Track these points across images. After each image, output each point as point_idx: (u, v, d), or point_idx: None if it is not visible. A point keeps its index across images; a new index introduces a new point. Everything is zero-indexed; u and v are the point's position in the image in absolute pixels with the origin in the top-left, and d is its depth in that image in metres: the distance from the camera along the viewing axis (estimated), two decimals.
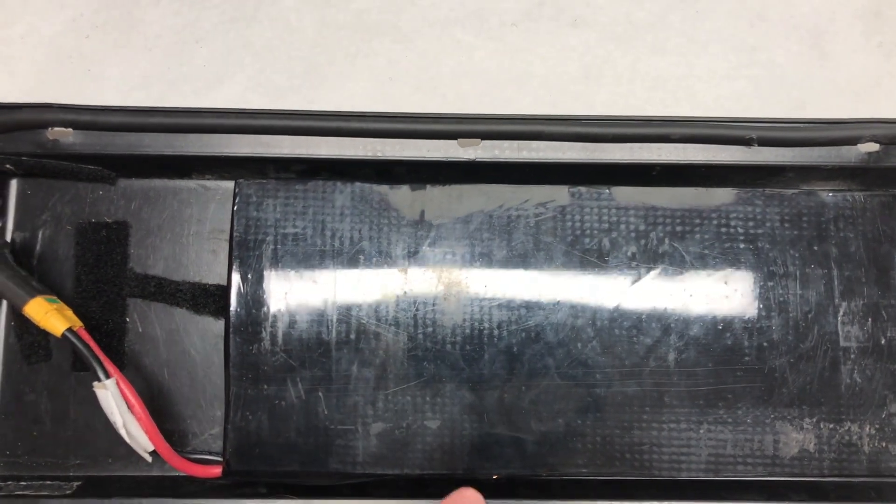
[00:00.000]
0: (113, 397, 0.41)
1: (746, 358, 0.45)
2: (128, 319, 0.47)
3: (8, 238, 0.47)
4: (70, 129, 0.46)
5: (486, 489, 0.45)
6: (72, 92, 0.52)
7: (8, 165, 0.46)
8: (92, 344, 0.41)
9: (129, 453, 0.46)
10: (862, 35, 0.53)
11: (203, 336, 0.47)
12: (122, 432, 0.41)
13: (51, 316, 0.41)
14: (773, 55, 0.53)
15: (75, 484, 0.44)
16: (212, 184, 0.48)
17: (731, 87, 0.53)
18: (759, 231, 0.46)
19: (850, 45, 0.53)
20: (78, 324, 0.42)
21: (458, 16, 0.53)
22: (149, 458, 0.43)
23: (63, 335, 0.41)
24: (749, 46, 0.53)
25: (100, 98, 0.52)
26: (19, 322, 0.46)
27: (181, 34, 0.53)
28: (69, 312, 0.42)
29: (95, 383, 0.41)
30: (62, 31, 0.53)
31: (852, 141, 0.46)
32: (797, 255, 0.46)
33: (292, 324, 0.44)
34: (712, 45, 0.53)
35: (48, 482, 0.45)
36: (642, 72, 0.53)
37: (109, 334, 0.46)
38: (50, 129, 0.46)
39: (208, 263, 0.48)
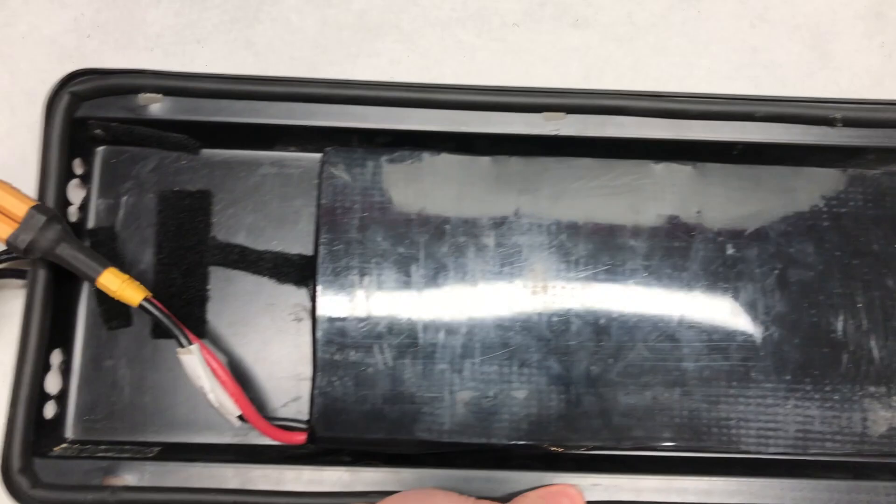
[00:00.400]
0: (199, 362, 0.41)
1: (833, 335, 0.45)
2: (209, 287, 0.47)
3: (92, 206, 0.47)
4: (160, 95, 0.46)
5: (569, 463, 0.45)
6: None
7: (97, 131, 0.46)
8: (168, 313, 0.41)
9: (208, 421, 0.45)
10: (864, 36, 0.53)
11: (284, 305, 0.47)
12: (211, 397, 0.41)
13: (127, 286, 0.40)
14: (774, 56, 0.53)
15: (155, 449, 0.44)
16: (294, 155, 0.48)
17: (733, 87, 0.52)
18: (843, 210, 0.47)
19: (852, 46, 0.53)
20: (149, 294, 0.41)
21: (459, 16, 0.53)
22: (237, 423, 0.42)
23: (140, 305, 0.40)
24: (750, 47, 0.53)
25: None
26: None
27: (182, 34, 0.53)
28: (138, 283, 0.42)
29: (179, 349, 0.40)
30: (63, 30, 0.53)
31: None
32: (881, 233, 0.46)
33: (379, 292, 0.44)
34: (713, 45, 0.53)
35: (127, 446, 0.45)
36: (643, 72, 0.53)
37: (190, 301, 0.46)
38: (141, 94, 0.46)
39: (290, 233, 0.47)
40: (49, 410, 0.45)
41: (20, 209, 0.40)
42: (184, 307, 0.46)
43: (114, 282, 0.41)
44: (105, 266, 0.41)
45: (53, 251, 0.40)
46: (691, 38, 0.53)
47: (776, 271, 0.46)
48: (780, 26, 0.54)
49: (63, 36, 0.53)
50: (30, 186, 0.44)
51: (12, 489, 0.42)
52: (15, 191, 0.42)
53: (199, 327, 0.46)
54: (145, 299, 0.41)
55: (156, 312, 0.41)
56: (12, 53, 0.52)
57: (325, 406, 0.43)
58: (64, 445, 0.45)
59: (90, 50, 0.52)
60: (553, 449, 0.44)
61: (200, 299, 0.47)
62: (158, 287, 0.47)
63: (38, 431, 0.44)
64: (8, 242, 0.40)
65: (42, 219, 0.40)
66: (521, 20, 0.53)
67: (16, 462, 0.42)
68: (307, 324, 0.47)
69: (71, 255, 0.41)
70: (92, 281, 0.41)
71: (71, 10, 0.53)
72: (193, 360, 0.40)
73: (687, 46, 0.53)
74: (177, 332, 0.41)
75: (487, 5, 0.54)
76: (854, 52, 0.53)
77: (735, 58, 0.53)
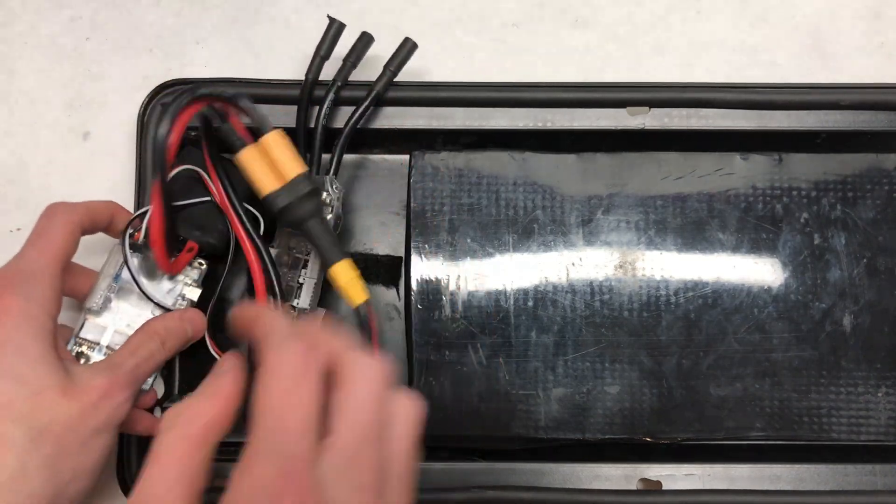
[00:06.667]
0: None
1: None
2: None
3: None
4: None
5: (663, 453, 0.47)
6: (71, 93, 0.52)
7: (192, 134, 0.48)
8: (375, 323, 0.42)
9: None
10: (863, 36, 0.53)
11: (375, 305, 0.49)
12: None
13: (356, 283, 0.41)
14: (774, 56, 0.53)
15: None
16: (379, 157, 0.50)
17: None
18: None
19: (852, 46, 0.53)
20: (370, 297, 0.42)
21: (459, 16, 0.53)
22: None
23: (358, 307, 0.41)
24: (750, 47, 0.53)
25: (101, 98, 0.52)
26: None
27: (182, 35, 0.53)
28: (364, 285, 0.42)
29: None
30: (62, 30, 0.53)
31: None
32: None
33: (471, 292, 0.45)
34: (713, 46, 0.53)
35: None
36: (643, 73, 0.53)
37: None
38: None
39: (378, 234, 0.49)
40: (156, 412, 0.47)
41: (291, 170, 0.40)
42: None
43: (348, 273, 0.41)
44: (345, 256, 0.41)
45: (305, 223, 0.40)
46: (691, 38, 0.53)
47: (865, 260, 0.47)
48: (780, 26, 0.54)
49: (61, 36, 0.53)
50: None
51: (131, 491, 0.45)
52: (294, 150, 0.41)
53: None
54: (367, 302, 0.41)
55: (366, 319, 0.41)
56: (10, 53, 0.52)
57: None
58: None
59: (89, 50, 0.52)
60: (647, 440, 0.46)
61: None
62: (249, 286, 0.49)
63: (149, 434, 0.45)
64: (265, 199, 0.39)
65: (308, 187, 0.40)
66: (520, 20, 0.53)
67: (134, 466, 0.43)
68: (399, 323, 0.49)
69: (320, 233, 0.41)
70: (326, 266, 0.41)
71: (69, 10, 0.53)
72: None
73: (687, 46, 0.53)
74: (378, 343, 0.42)
75: (487, 5, 0.53)
76: (854, 52, 0.53)
77: (735, 58, 0.53)
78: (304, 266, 0.44)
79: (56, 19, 0.53)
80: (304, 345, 0.31)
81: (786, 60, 0.53)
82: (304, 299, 0.44)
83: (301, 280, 0.44)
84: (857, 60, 0.53)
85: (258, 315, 0.33)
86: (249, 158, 0.39)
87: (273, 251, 0.44)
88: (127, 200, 0.48)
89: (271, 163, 0.39)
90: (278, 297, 0.42)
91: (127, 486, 0.44)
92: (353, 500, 0.29)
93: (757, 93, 0.47)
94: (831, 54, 0.53)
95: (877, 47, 0.54)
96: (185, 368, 0.47)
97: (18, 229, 0.50)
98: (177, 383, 0.46)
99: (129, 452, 0.44)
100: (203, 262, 0.44)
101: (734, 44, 0.53)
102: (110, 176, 0.51)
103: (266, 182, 0.39)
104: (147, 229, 0.42)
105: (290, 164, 0.40)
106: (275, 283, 0.42)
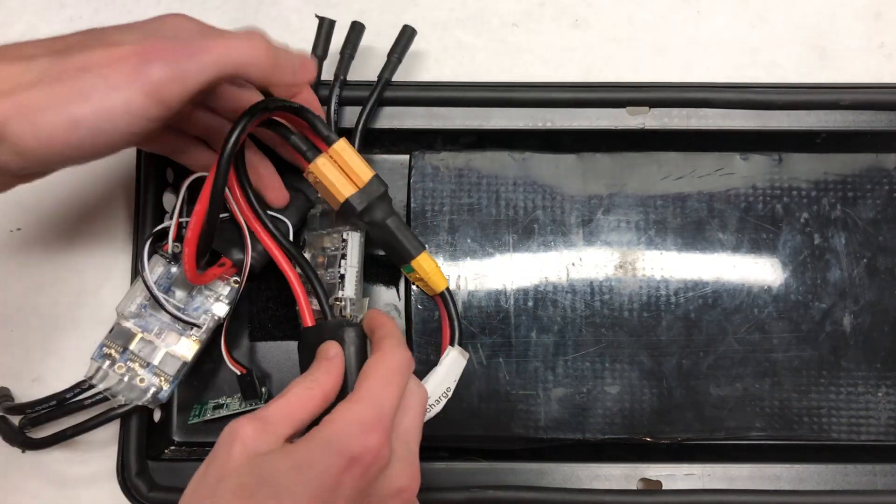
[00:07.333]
0: (461, 369, 0.43)
1: None
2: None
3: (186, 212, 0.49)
4: None
5: (663, 453, 0.47)
6: None
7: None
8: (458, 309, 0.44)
9: None
10: (863, 36, 0.53)
11: (375, 304, 0.49)
12: (443, 402, 0.42)
13: (438, 271, 0.43)
14: (773, 56, 0.53)
15: None
16: (380, 157, 0.50)
17: None
18: None
19: (851, 47, 0.53)
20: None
21: (459, 16, 0.53)
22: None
23: (441, 293, 0.43)
24: (750, 47, 0.53)
25: None
26: None
27: None
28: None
29: (454, 347, 0.43)
30: (61, 30, 0.50)
31: None
32: None
33: (471, 292, 0.46)
34: (713, 46, 0.53)
35: None
36: (643, 72, 0.52)
37: (280, 302, 0.48)
38: None
39: None
40: (156, 414, 0.46)
41: (364, 174, 0.41)
42: (275, 308, 0.48)
43: (430, 264, 0.43)
44: (424, 248, 0.43)
45: (384, 221, 0.42)
46: (691, 38, 0.53)
47: (865, 260, 0.47)
48: (780, 26, 0.54)
49: None
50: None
51: (131, 492, 0.43)
52: (360, 155, 0.42)
53: (289, 328, 0.48)
54: (447, 289, 0.43)
55: (451, 304, 0.43)
56: None
57: None
58: (172, 448, 0.46)
59: None
60: (647, 440, 0.46)
61: (291, 299, 0.49)
62: (249, 285, 0.49)
63: (150, 435, 0.45)
64: (345, 203, 0.41)
65: (382, 189, 0.41)
66: (520, 20, 0.53)
67: (133, 466, 0.43)
68: (399, 323, 0.49)
69: (398, 228, 0.42)
70: (408, 259, 0.42)
71: (69, 9, 0.53)
72: (460, 364, 0.43)
73: (687, 46, 0.53)
74: (457, 329, 0.43)
75: (487, 5, 0.53)
76: (854, 53, 0.53)
77: (735, 58, 0.53)
78: (343, 258, 0.44)
79: (56, 19, 0.53)
80: (408, 352, 0.38)
81: (786, 60, 0.53)
82: (348, 289, 0.43)
83: (342, 271, 0.43)
84: (857, 60, 0.53)
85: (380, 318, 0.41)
86: (325, 166, 0.40)
87: (307, 255, 0.44)
88: (127, 201, 0.48)
89: (343, 169, 0.40)
90: (323, 301, 0.41)
91: (128, 487, 0.44)
92: (407, 455, 0.37)
93: (757, 93, 0.47)
94: (831, 54, 0.53)
95: (877, 47, 0.54)
96: (201, 378, 0.47)
97: (18, 229, 0.50)
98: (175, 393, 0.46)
99: (128, 451, 0.44)
100: (238, 280, 0.44)
101: (734, 44, 0.54)
102: (110, 176, 0.51)
103: (344, 187, 0.40)
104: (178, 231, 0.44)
105: (363, 169, 0.41)
106: (317, 287, 0.41)
